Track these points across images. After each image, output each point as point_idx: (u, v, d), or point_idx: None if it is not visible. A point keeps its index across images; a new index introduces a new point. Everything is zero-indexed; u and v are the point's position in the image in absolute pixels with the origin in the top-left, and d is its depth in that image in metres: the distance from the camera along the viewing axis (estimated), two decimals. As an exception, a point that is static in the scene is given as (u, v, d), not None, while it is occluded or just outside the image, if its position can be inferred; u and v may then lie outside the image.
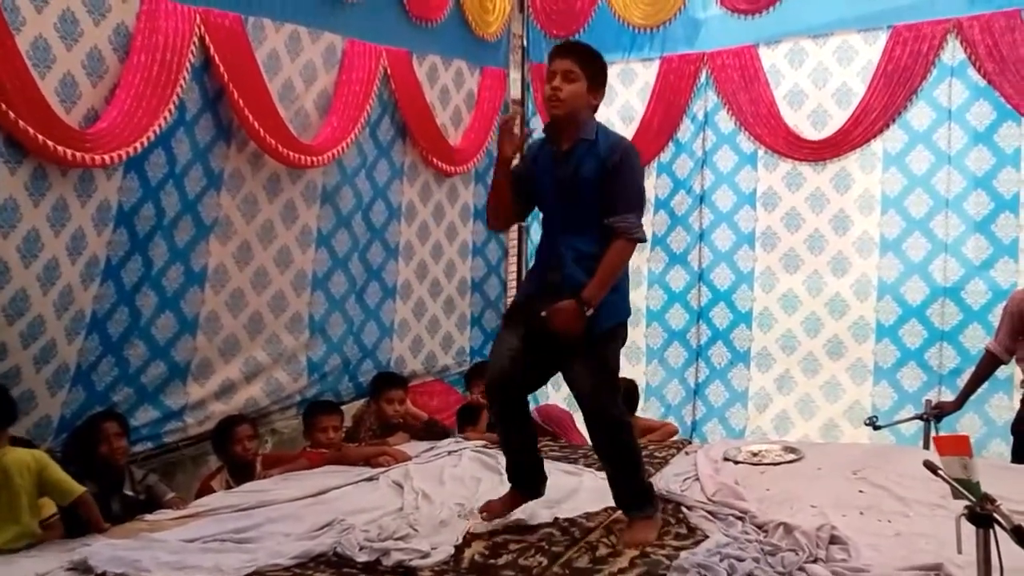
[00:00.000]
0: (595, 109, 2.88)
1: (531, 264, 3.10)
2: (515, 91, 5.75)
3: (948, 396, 4.38)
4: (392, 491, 3.42)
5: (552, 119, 2.83)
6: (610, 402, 2.85)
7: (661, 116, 5.36)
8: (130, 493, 3.40)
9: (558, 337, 2.71)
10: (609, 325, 2.80)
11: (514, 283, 5.95)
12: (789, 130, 5.01)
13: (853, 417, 4.90)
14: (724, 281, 5.32)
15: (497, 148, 2.91)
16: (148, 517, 3.14)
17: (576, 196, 2.77)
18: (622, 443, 2.87)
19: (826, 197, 4.99)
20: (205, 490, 3.59)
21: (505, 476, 3.48)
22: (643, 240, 2.81)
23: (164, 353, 3.79)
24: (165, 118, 3.39)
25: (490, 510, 3.00)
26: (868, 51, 4.79)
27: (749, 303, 5.26)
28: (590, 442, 3.05)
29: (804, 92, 5.00)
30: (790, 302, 5.14)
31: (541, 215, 2.99)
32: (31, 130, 2.92)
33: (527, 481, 3.04)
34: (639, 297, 5.58)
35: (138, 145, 3.29)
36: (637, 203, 2.79)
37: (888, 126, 4.76)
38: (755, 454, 3.67)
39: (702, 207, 5.35)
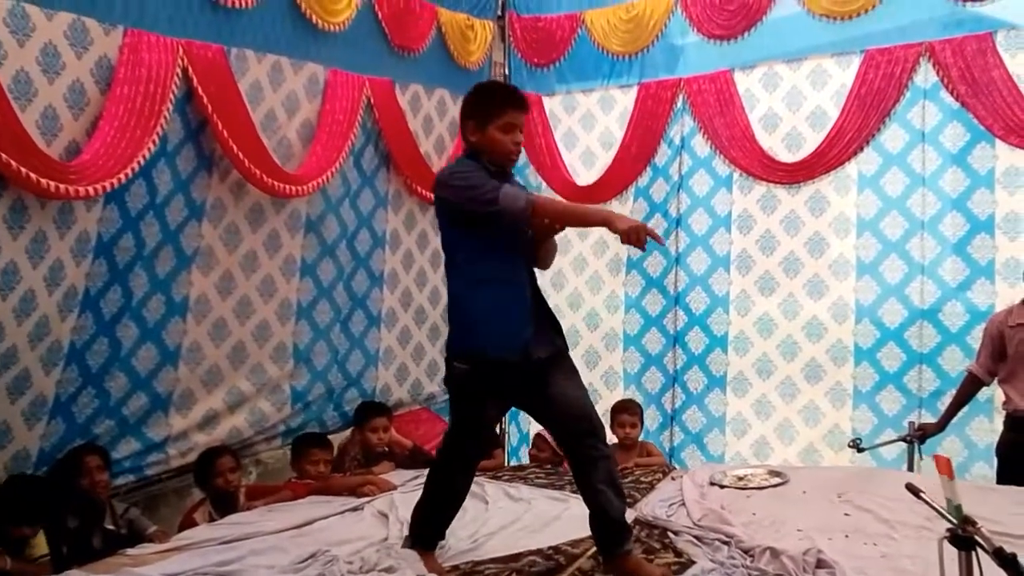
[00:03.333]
0: None
1: (486, 300, 2.74)
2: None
3: (928, 419, 4.38)
4: (377, 521, 3.40)
5: (509, 167, 2.83)
6: (595, 411, 2.84)
7: (639, 141, 5.40)
8: (111, 527, 3.37)
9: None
10: None
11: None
12: (764, 153, 5.03)
13: (833, 441, 4.88)
14: (700, 305, 5.31)
15: None
16: (130, 551, 3.08)
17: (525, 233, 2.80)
18: (610, 455, 2.79)
19: (801, 220, 5.01)
20: (188, 523, 3.54)
21: (489, 505, 3.49)
22: None
23: (146, 384, 3.76)
24: (149, 149, 3.40)
25: None
26: (842, 75, 4.84)
27: (725, 327, 5.25)
28: (572, 467, 2.89)
29: (778, 115, 5.04)
30: (765, 326, 5.13)
31: (495, 244, 2.74)
32: (13, 163, 2.91)
33: (437, 538, 2.96)
34: (616, 322, 5.59)
35: (122, 176, 3.28)
36: None
37: (862, 148, 4.79)
38: (741, 478, 3.68)
39: (678, 230, 5.36)
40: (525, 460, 5.02)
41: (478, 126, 2.75)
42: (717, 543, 2.93)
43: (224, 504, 3.62)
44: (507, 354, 2.68)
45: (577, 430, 2.74)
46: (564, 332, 2.91)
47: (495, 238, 2.71)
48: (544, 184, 5.66)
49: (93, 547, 3.23)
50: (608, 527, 2.72)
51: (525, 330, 2.70)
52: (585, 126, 5.63)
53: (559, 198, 5.32)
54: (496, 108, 2.73)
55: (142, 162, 3.38)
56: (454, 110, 5.36)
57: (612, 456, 2.82)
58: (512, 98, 2.78)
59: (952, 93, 4.53)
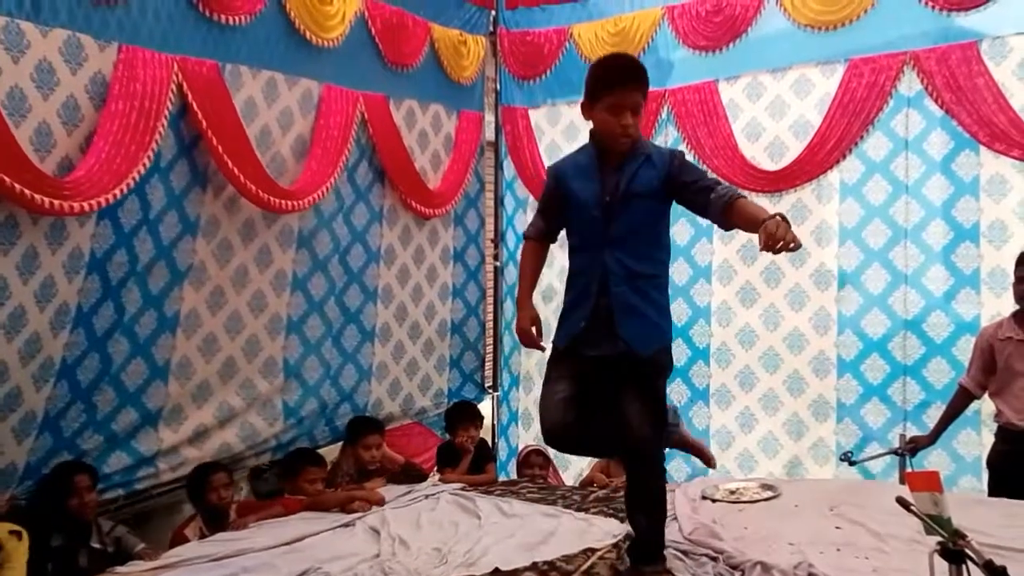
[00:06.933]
0: None
1: (567, 292, 2.79)
2: (489, 134, 5.83)
3: (914, 432, 4.35)
4: (369, 537, 3.40)
5: (617, 151, 2.66)
6: (656, 438, 2.75)
7: None
8: (97, 545, 3.33)
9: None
10: (662, 348, 2.76)
11: (491, 324, 5.97)
12: (746, 161, 5.00)
13: (818, 455, 4.86)
14: (681, 316, 5.24)
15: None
16: (119, 569, 3.08)
17: (628, 211, 2.63)
18: (658, 485, 2.77)
19: None
20: (179, 539, 3.53)
21: (482, 521, 3.49)
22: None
23: (135, 399, 3.75)
24: (144, 164, 3.40)
25: None
26: (825, 84, 4.80)
27: (707, 339, 5.21)
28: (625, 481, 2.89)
29: (762, 125, 5.00)
30: (747, 337, 5.09)
31: (575, 235, 2.79)
32: (7, 178, 2.90)
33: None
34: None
35: (117, 192, 3.29)
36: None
37: (844, 156, 4.74)
38: (733, 492, 3.67)
39: (660, 241, 5.35)
40: (513, 475, 5.00)
41: (589, 104, 2.66)
42: (703, 559, 2.92)
43: (215, 520, 3.61)
44: (558, 340, 2.77)
45: (624, 446, 2.75)
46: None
47: (573, 235, 2.79)
48: (531, 196, 5.67)
49: (79, 566, 3.21)
50: (636, 543, 2.83)
51: (576, 324, 2.70)
52: (569, 137, 5.58)
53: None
54: (603, 86, 2.61)
55: (136, 178, 3.38)
56: (449, 125, 5.40)
57: (656, 476, 2.79)
58: (623, 75, 2.61)
59: (937, 101, 4.50)
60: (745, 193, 4.75)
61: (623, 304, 2.64)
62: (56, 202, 3.05)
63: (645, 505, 2.78)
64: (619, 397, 2.67)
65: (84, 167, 3.21)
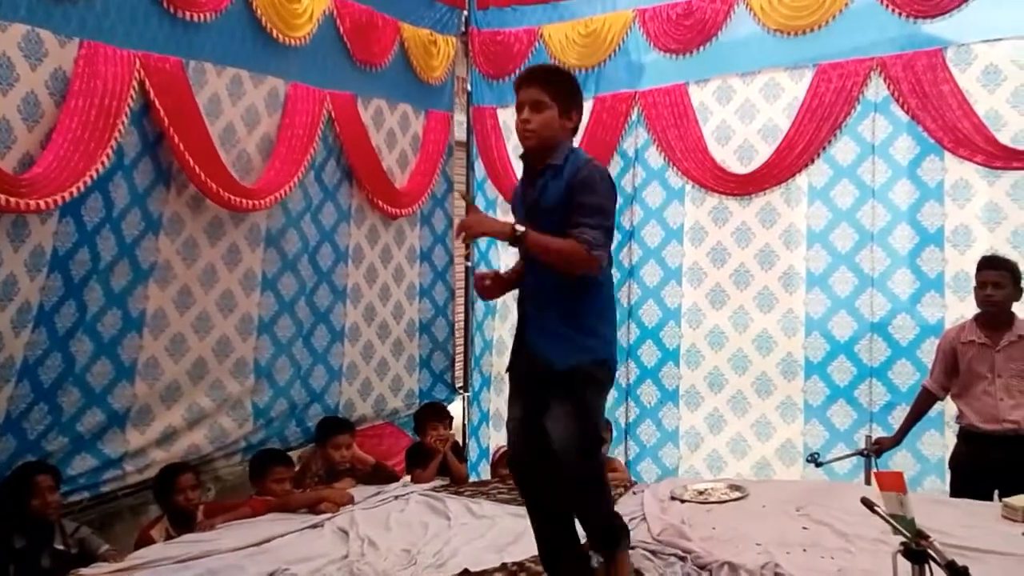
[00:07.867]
0: (574, 131, 2.68)
1: None
2: (460, 134, 5.81)
3: (880, 433, 4.40)
4: (337, 538, 3.38)
5: (526, 150, 2.65)
6: (580, 452, 2.50)
7: (592, 153, 5.22)
8: (61, 547, 3.28)
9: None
10: (579, 363, 2.52)
11: (462, 324, 5.96)
12: (716, 164, 5.02)
13: (785, 456, 4.90)
14: (652, 318, 5.28)
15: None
16: (84, 571, 3.04)
17: (539, 226, 2.51)
18: (585, 499, 2.61)
19: (752, 232, 4.99)
20: (144, 540, 3.49)
21: (452, 522, 3.48)
22: (601, 260, 2.50)
23: (101, 400, 3.69)
24: (103, 162, 3.35)
25: None
26: (794, 88, 4.85)
27: (677, 340, 5.23)
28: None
29: (731, 128, 5.03)
30: (717, 339, 5.12)
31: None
32: (-36, 177, 2.85)
33: (567, 565, 2.70)
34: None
35: (74, 190, 3.23)
36: (599, 222, 2.49)
37: (813, 160, 4.79)
38: (701, 492, 3.70)
39: (631, 243, 5.34)
40: (485, 475, 4.99)
41: None
42: (672, 559, 2.94)
43: (182, 521, 3.57)
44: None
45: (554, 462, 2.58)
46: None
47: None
48: (499, 197, 5.65)
49: (42, 567, 3.16)
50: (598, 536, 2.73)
51: (514, 342, 2.72)
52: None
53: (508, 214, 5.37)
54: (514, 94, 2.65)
55: (95, 176, 3.33)
56: (416, 125, 5.37)
57: (581, 491, 2.62)
58: (520, 76, 2.66)
59: (903, 107, 4.55)
60: (716, 195, 5.00)
61: (534, 324, 2.60)
62: (12, 199, 3.00)
63: (569, 508, 2.65)
64: (546, 410, 2.54)
65: (42, 164, 3.16)
